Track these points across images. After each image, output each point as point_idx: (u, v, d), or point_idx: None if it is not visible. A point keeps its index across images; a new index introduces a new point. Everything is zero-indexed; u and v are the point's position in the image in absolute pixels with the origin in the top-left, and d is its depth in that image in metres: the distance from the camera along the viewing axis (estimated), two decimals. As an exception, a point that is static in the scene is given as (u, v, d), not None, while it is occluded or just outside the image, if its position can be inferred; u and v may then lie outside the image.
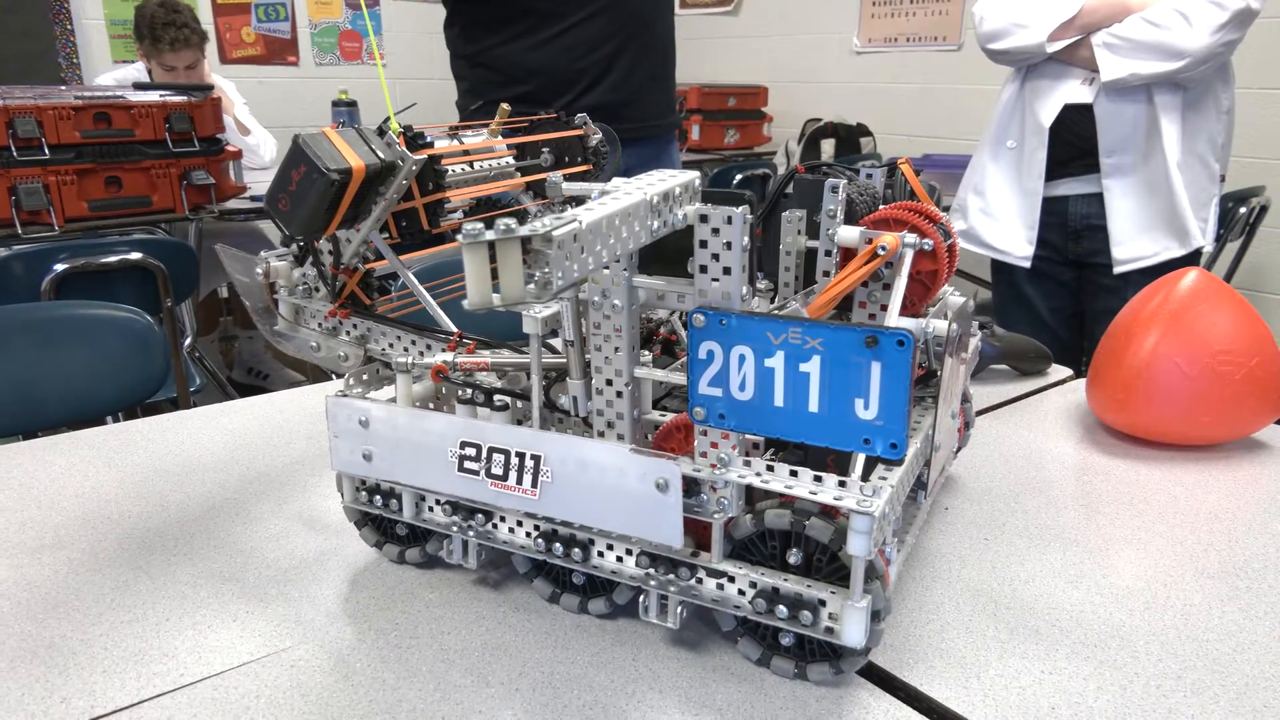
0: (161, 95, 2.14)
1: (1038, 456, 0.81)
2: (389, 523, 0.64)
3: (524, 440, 0.53)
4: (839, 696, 0.50)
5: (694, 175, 0.50)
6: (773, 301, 0.72)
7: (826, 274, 0.61)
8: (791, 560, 0.50)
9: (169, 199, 2.20)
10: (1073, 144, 1.67)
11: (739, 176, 3.29)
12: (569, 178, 0.77)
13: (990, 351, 0.99)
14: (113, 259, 1.74)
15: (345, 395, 0.60)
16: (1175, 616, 0.57)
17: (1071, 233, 1.75)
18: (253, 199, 2.42)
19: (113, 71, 2.85)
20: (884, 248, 0.52)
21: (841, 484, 0.47)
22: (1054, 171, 1.70)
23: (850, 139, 3.71)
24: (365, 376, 0.63)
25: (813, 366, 0.45)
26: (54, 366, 1.24)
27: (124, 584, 0.62)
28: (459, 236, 0.36)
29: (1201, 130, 1.63)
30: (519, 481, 0.54)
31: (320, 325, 0.65)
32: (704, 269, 0.47)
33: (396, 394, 0.58)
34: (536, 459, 0.53)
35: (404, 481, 0.59)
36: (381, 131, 0.60)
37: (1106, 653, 0.54)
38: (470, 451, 0.55)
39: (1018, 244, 1.77)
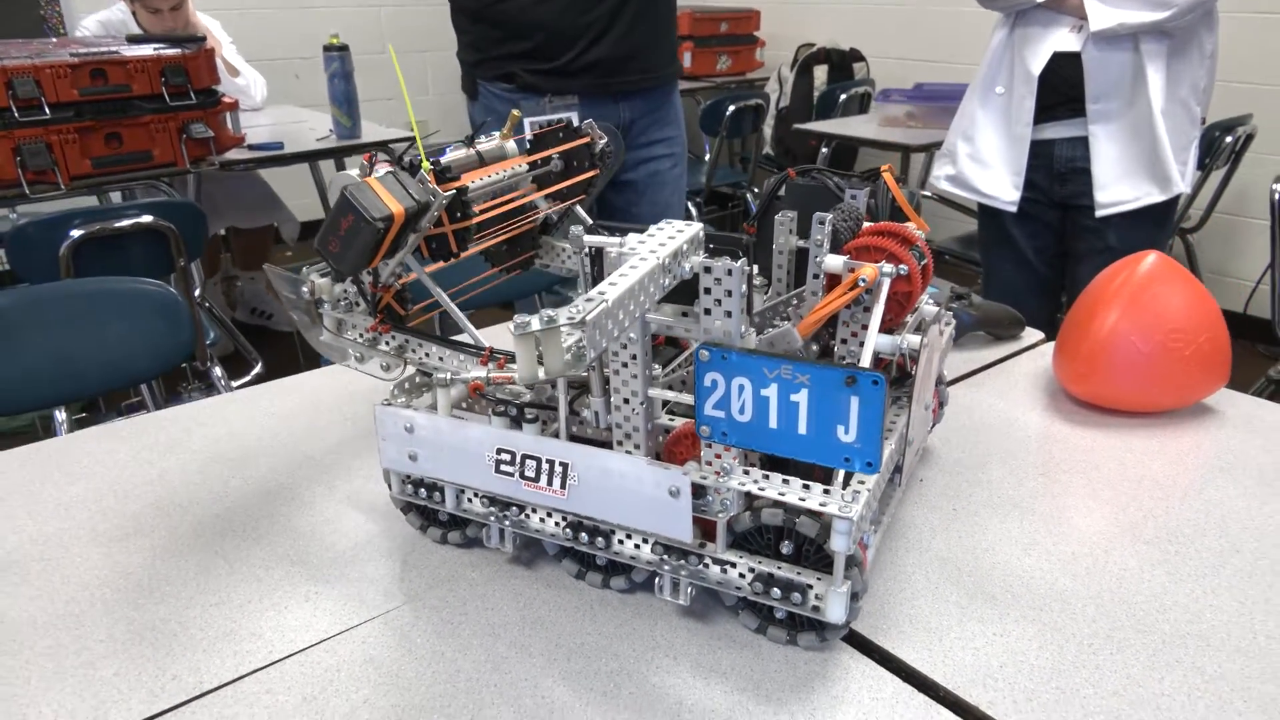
0: (155, 49, 2.15)
1: (1006, 425, 0.90)
2: (432, 509, 0.73)
3: (553, 450, 0.62)
4: (824, 660, 0.60)
5: (699, 228, 0.57)
6: (767, 294, 0.80)
7: (816, 276, 0.68)
8: (784, 550, 0.59)
9: (169, 153, 2.23)
10: (1060, 90, 1.71)
11: (731, 108, 3.30)
12: (578, 184, 0.84)
13: (968, 320, 1.07)
14: (125, 223, 1.79)
15: (390, 404, 0.68)
16: (1111, 580, 0.67)
17: (1057, 175, 1.80)
18: (250, 148, 2.45)
19: (95, 15, 2.82)
20: (864, 279, 0.59)
21: (825, 491, 0.56)
22: (1041, 115, 1.75)
23: (843, 65, 3.70)
24: (406, 385, 0.71)
25: (802, 397, 0.53)
26: (89, 339, 1.32)
27: (205, 568, 0.71)
28: (511, 329, 0.43)
29: (1185, 76, 1.68)
30: (549, 483, 0.63)
31: (361, 337, 0.73)
32: (708, 311, 0.55)
33: (437, 404, 0.67)
34: (565, 465, 0.61)
35: (446, 479, 0.68)
36: (413, 169, 0.67)
37: (1049, 615, 0.64)
38: (506, 456, 0.64)
39: (1005, 189, 1.83)
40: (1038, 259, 1.93)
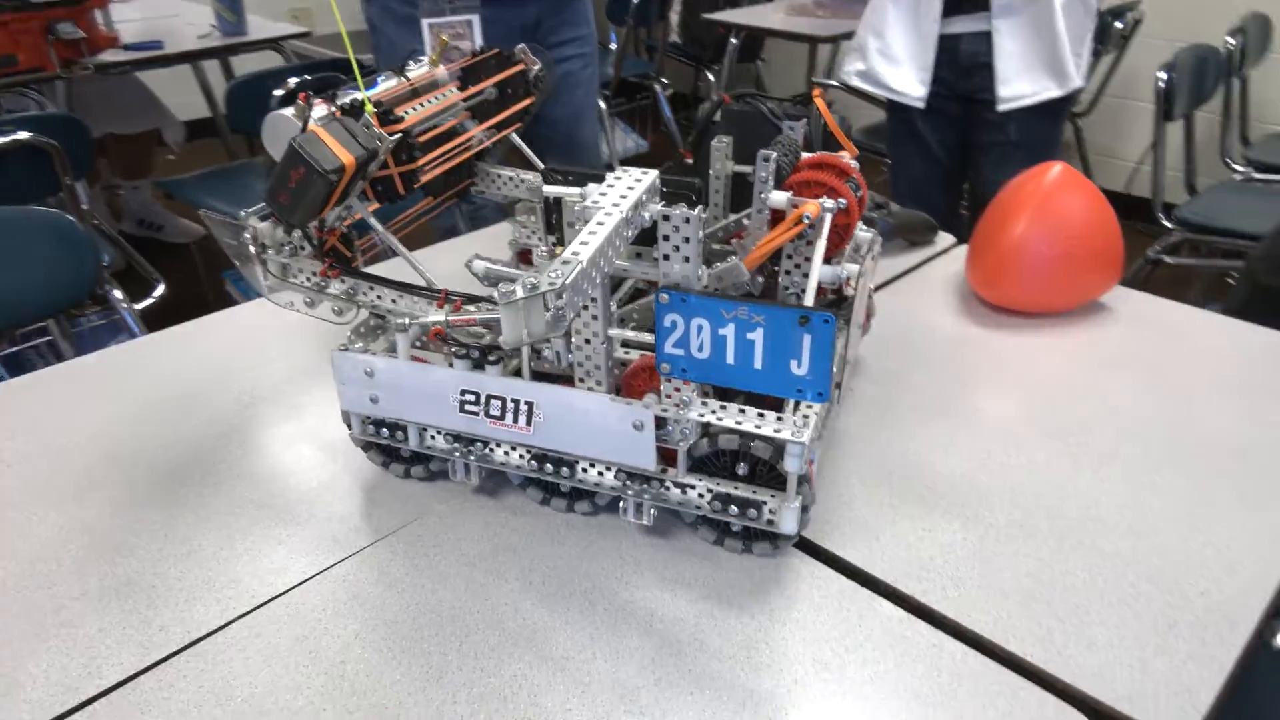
0: (7, -61, 1.95)
1: (925, 331, 0.97)
2: (394, 447, 0.75)
3: (518, 390, 0.64)
4: (777, 565, 0.66)
5: (654, 175, 0.59)
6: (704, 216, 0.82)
7: (760, 211, 0.70)
8: (740, 471, 0.64)
9: (35, 56, 2.05)
10: (967, -16, 1.74)
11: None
12: (514, 114, 0.83)
13: (886, 228, 1.12)
14: (2, 140, 1.66)
15: (348, 349, 0.69)
16: (1021, 473, 0.75)
17: (962, 70, 1.85)
18: (126, 48, 2.27)
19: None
20: (808, 216, 0.63)
21: (779, 419, 0.60)
22: (947, 9, 1.77)
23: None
24: (362, 330, 0.72)
25: (757, 336, 0.57)
26: (-15, 275, 1.25)
27: (170, 519, 0.72)
28: (496, 296, 0.45)
29: (1084, -30, 1.72)
30: (515, 421, 0.65)
31: (309, 281, 0.73)
32: (667, 257, 0.57)
33: (398, 349, 0.68)
34: (530, 404, 0.64)
35: (409, 419, 0.70)
36: (356, 112, 0.66)
37: (969, 509, 0.71)
38: (470, 397, 0.66)
39: (913, 86, 1.87)
40: (943, 152, 1.99)
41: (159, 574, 0.66)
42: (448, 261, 1.01)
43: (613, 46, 3.43)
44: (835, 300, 0.75)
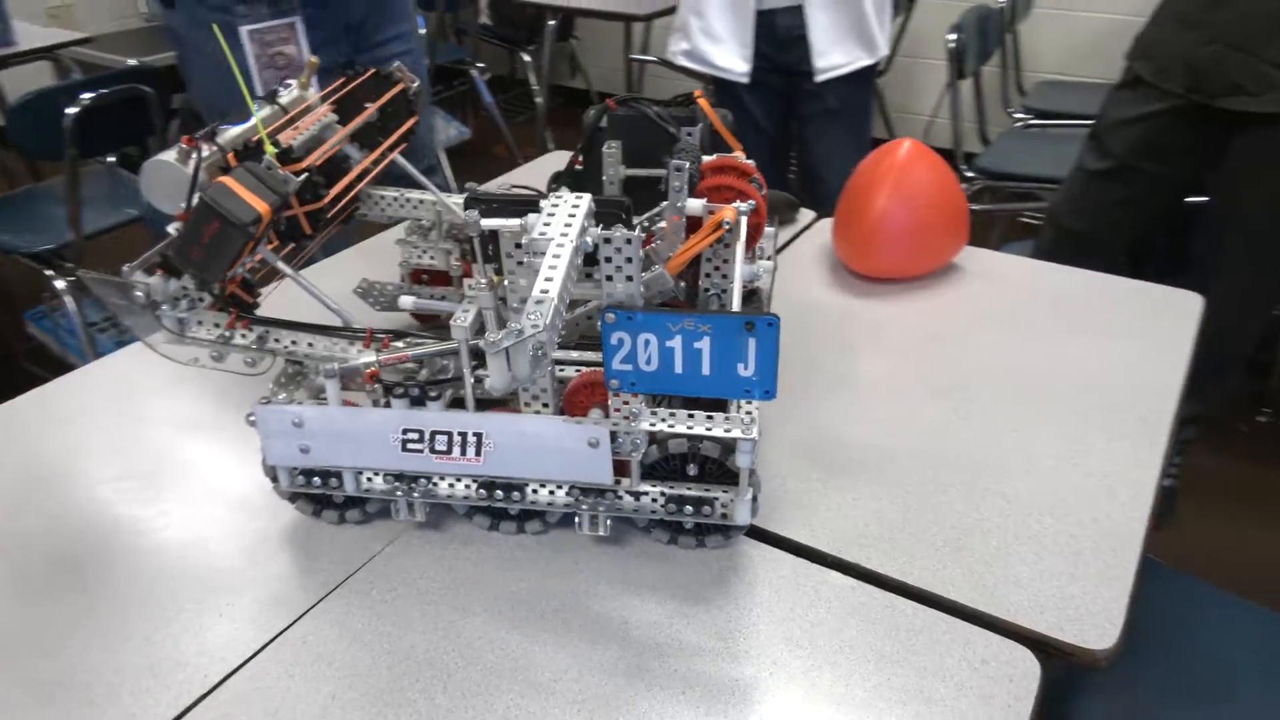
0: None
1: (808, 307, 1.03)
2: (325, 495, 0.72)
3: (466, 422, 0.64)
4: (730, 554, 0.70)
5: (589, 200, 0.59)
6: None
7: (676, 219, 0.72)
8: (690, 472, 0.67)
9: None
10: (775, -41, 1.82)
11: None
12: (402, 137, 0.81)
13: (753, 210, 1.17)
14: None
15: (271, 402, 0.66)
16: (921, 433, 0.82)
17: (780, 44, 1.93)
18: None
19: None
20: (728, 222, 0.65)
21: (726, 418, 0.63)
22: None
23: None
24: (281, 379, 0.69)
25: (704, 344, 0.59)
26: None
27: (86, 608, 0.66)
28: (484, 345, 0.45)
29: (881, -55, 1.84)
30: (463, 453, 0.65)
31: (212, 334, 0.68)
32: (610, 278, 0.59)
33: (328, 395, 0.65)
34: (479, 435, 0.64)
35: (345, 465, 0.68)
36: (254, 154, 0.62)
37: (886, 474, 0.77)
38: (413, 435, 0.65)
39: (736, 62, 1.94)
40: (769, 124, 2.08)
41: (91, 670, 0.61)
42: (325, 287, 0.97)
43: (421, 32, 3.32)
44: (747, 295, 0.79)
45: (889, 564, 0.68)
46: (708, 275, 0.71)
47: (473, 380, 0.64)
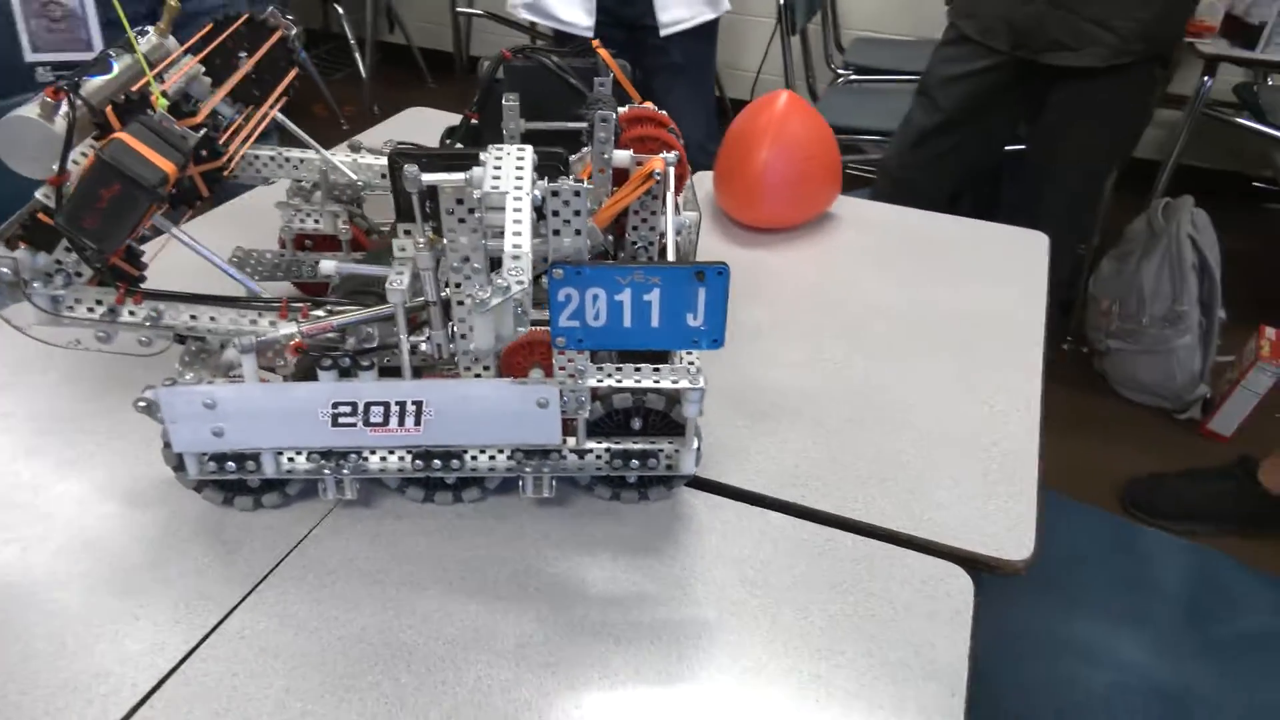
0: None
1: (702, 258, 1.04)
2: (239, 479, 0.67)
3: (404, 391, 0.61)
4: (673, 505, 0.70)
5: (530, 151, 0.57)
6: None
7: (602, 171, 0.69)
8: (635, 426, 0.66)
9: None
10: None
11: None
12: (285, 89, 0.75)
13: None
14: None
15: (176, 383, 0.60)
16: (830, 374, 0.86)
17: (623, -1, 1.93)
18: None
19: None
20: (659, 173, 0.65)
21: (673, 370, 0.64)
22: None
23: None
24: (186, 358, 0.62)
25: (654, 296, 0.59)
26: None
27: (-31, 629, 0.58)
28: (471, 306, 0.42)
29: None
30: (400, 424, 0.62)
31: (95, 312, 0.61)
32: (557, 232, 0.57)
33: (244, 373, 0.60)
34: (418, 403, 0.61)
35: (265, 446, 0.63)
36: (138, 106, 0.56)
37: (808, 414, 0.80)
38: (345, 409, 0.61)
39: (579, 15, 1.91)
40: (616, 79, 2.07)
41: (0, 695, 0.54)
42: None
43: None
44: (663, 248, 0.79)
45: (824, 500, 0.71)
46: (634, 229, 0.70)
47: (409, 347, 0.61)
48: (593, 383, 0.62)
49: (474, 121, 0.83)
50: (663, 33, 1.93)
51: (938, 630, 0.61)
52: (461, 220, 0.56)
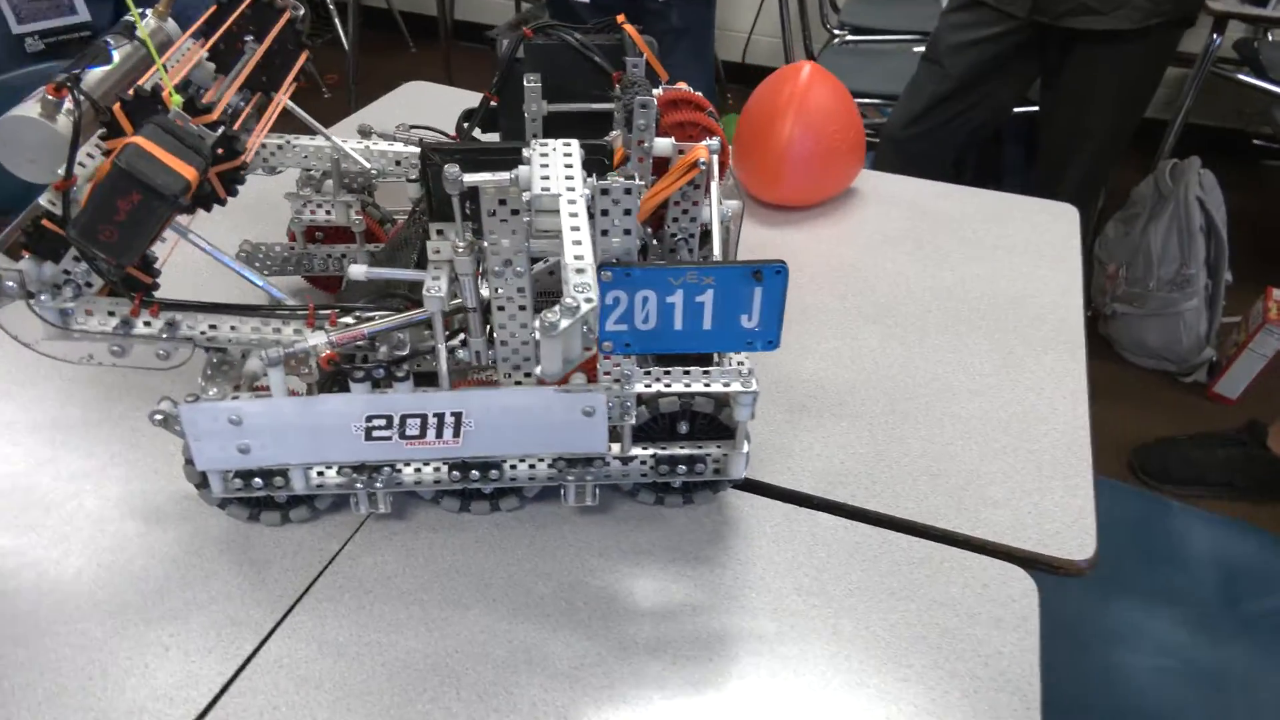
0: None
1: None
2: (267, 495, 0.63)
3: (442, 402, 0.57)
4: (719, 509, 0.68)
5: (577, 145, 0.53)
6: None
7: (641, 160, 0.65)
8: (681, 430, 0.63)
9: None
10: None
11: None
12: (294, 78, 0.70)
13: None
14: None
15: (200, 399, 0.56)
16: (867, 362, 0.83)
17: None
18: None
19: None
20: (703, 162, 0.61)
21: (723, 372, 0.60)
22: None
23: None
24: (209, 372, 0.58)
25: (707, 298, 0.56)
26: None
27: (2, 659, 0.55)
28: (540, 331, 0.39)
29: None
30: (439, 436, 0.58)
31: (108, 324, 0.57)
32: (605, 232, 0.53)
33: (271, 386, 0.56)
34: (457, 415, 0.58)
35: (294, 461, 0.59)
36: (153, 103, 0.51)
37: (847, 407, 0.77)
38: (380, 422, 0.57)
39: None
40: (613, 45, 2.01)
41: (20, 740, 0.51)
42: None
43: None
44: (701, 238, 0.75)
45: (874, 499, 0.69)
46: (675, 220, 0.66)
47: (446, 354, 0.57)
48: (640, 388, 0.59)
49: (493, 104, 0.79)
50: (660, -2, 1.87)
51: (1005, 638, 0.59)
52: (504, 221, 0.52)
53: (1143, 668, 0.94)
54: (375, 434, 0.58)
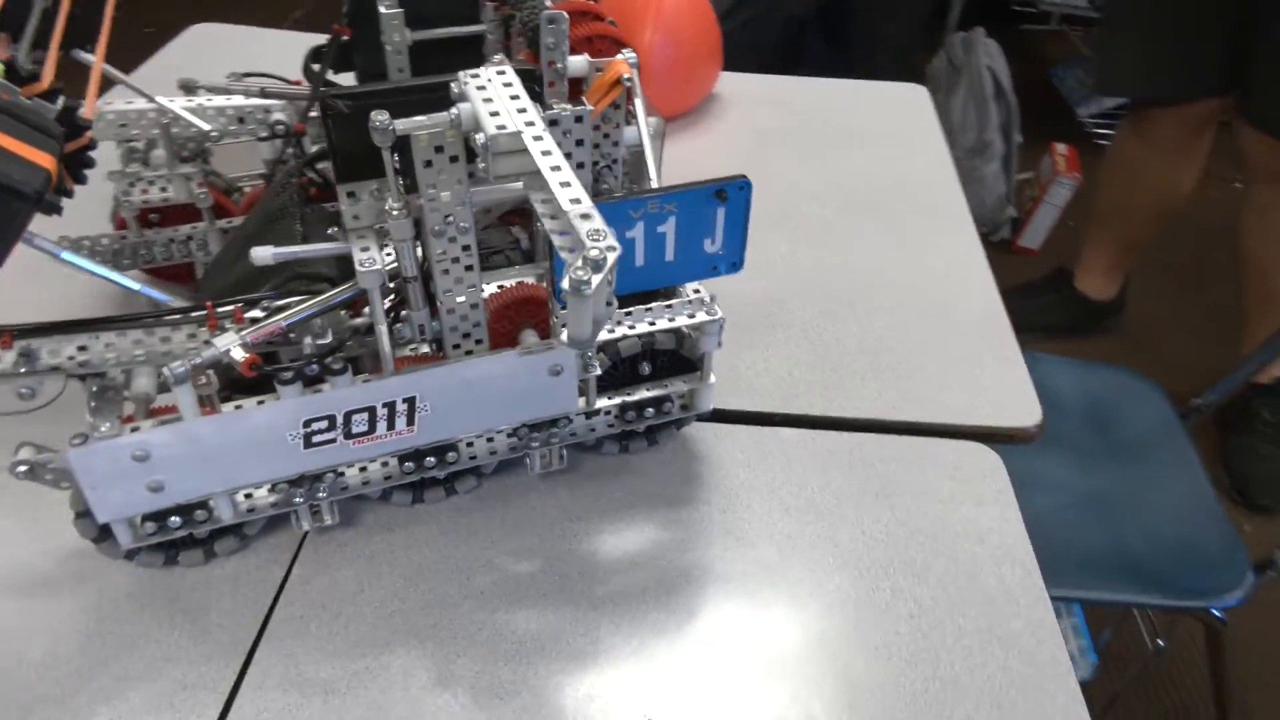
0: None
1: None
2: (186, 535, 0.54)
3: (391, 389, 0.50)
4: (685, 443, 0.64)
5: (511, 70, 0.46)
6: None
7: (551, 84, 0.58)
8: (644, 371, 0.59)
9: None
10: None
11: None
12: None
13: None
14: None
15: (90, 439, 0.46)
16: (783, 267, 0.81)
17: None
18: None
19: None
20: (626, 77, 0.56)
21: (687, 303, 0.56)
22: None
23: None
24: (94, 404, 0.48)
25: (668, 226, 0.51)
26: None
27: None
28: (569, 291, 0.33)
29: None
30: (390, 428, 0.51)
31: (-56, 367, 0.45)
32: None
33: (181, 407, 0.47)
34: (410, 400, 0.50)
35: (219, 489, 0.50)
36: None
37: (777, 318, 0.75)
38: (321, 424, 0.50)
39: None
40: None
41: None
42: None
43: None
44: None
45: (831, 405, 0.68)
46: (596, 146, 0.60)
47: (388, 336, 0.50)
48: (604, 336, 0.54)
49: (345, 38, 0.68)
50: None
51: (988, 513, 0.60)
52: (442, 173, 0.45)
53: (1048, 506, 1.01)
54: (316, 439, 0.50)
